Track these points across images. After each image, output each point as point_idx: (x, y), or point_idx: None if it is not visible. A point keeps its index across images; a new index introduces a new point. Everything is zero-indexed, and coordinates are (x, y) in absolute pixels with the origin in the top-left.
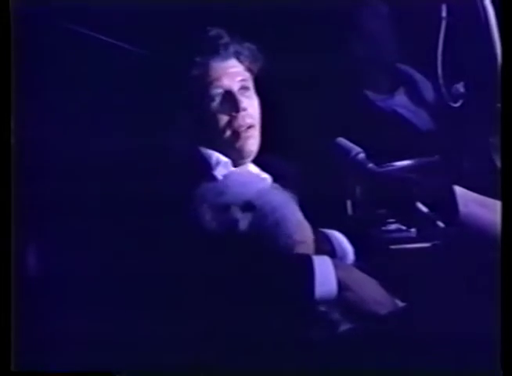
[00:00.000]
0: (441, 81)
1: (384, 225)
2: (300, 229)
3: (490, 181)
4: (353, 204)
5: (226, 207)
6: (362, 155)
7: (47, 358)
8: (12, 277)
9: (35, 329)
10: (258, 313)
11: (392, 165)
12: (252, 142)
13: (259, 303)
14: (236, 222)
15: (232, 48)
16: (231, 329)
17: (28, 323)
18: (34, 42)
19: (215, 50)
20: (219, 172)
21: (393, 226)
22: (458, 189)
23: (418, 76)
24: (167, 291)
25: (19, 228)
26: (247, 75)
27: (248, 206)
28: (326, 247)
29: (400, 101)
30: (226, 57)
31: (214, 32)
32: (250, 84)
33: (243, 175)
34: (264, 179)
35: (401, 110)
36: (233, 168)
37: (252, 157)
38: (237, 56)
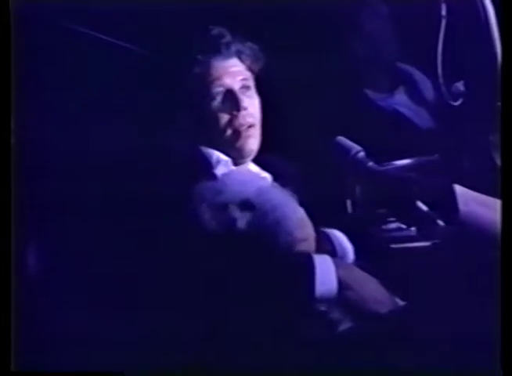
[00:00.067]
0: (441, 79)
1: (384, 224)
2: (301, 226)
3: (490, 179)
4: (353, 203)
5: (225, 206)
6: (362, 154)
7: (47, 358)
8: (12, 277)
9: (35, 329)
10: (259, 312)
11: (392, 164)
12: (252, 142)
13: (260, 302)
14: (235, 220)
15: (233, 48)
16: (231, 328)
17: (28, 323)
18: (34, 42)
19: (217, 49)
20: (219, 171)
21: (393, 225)
22: (458, 188)
23: (418, 75)
24: (167, 290)
25: (19, 228)
26: (248, 74)
27: (247, 204)
28: (326, 246)
29: (400, 100)
30: (228, 56)
31: (215, 31)
32: (251, 83)
33: (242, 173)
34: (264, 178)
35: (401, 109)
36: (233, 167)
37: (252, 156)
38: (239, 55)
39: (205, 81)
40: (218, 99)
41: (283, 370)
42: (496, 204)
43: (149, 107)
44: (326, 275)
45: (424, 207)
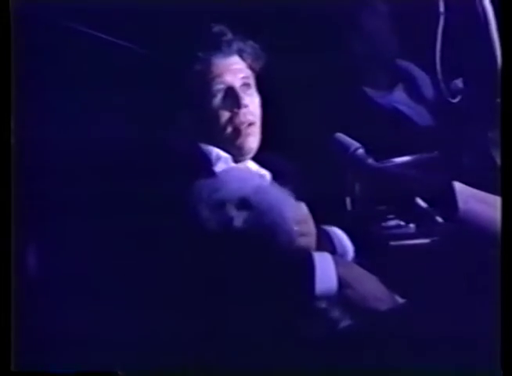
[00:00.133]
0: (439, 76)
1: (384, 222)
2: (303, 221)
3: (489, 176)
4: (352, 201)
5: (222, 204)
6: (361, 151)
7: (47, 358)
8: (12, 277)
9: (35, 329)
10: (259, 310)
11: (391, 161)
12: (252, 140)
13: (260, 300)
14: (232, 218)
15: (235, 46)
16: (230, 326)
17: (28, 323)
18: (34, 42)
19: (218, 46)
20: (219, 168)
21: (392, 222)
22: (457, 185)
23: (417, 72)
24: (165, 289)
25: (19, 228)
26: (249, 73)
27: (245, 202)
28: (326, 243)
29: (399, 97)
30: (229, 54)
31: (217, 29)
32: (252, 81)
33: (241, 171)
34: (262, 176)
35: (400, 107)
36: (233, 164)
37: (252, 154)
38: (240, 53)
39: (206, 79)
40: (219, 96)
41: (283, 368)
42: (495, 201)
43: (150, 105)
44: (325, 273)
45: (423, 204)
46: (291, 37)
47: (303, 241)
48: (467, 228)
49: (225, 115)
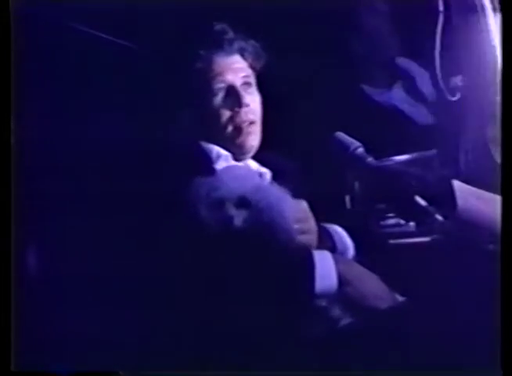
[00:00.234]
0: (438, 74)
1: (383, 220)
2: (303, 219)
3: (489, 174)
4: (352, 199)
5: (221, 202)
6: (360, 150)
7: (47, 358)
8: (12, 277)
9: (35, 329)
10: (259, 309)
11: (391, 159)
12: (253, 138)
13: (260, 299)
14: (231, 216)
15: (236, 45)
16: (231, 325)
17: (28, 323)
18: (34, 42)
19: (220, 45)
20: (220, 166)
21: (392, 221)
22: (456, 183)
23: (416, 70)
24: (166, 288)
25: (19, 228)
26: (250, 72)
27: (244, 201)
28: (326, 241)
29: (398, 95)
30: (230, 53)
31: (219, 27)
32: (253, 80)
33: (240, 169)
34: (262, 175)
35: (399, 104)
36: (233, 162)
37: (253, 152)
38: (241, 52)
39: (207, 77)
40: (220, 95)
41: (283, 367)
42: (495, 199)
43: (151, 103)
44: (325, 271)
45: (423, 203)
46: (292, 37)
47: (304, 239)
48: (467, 226)
49: (226, 114)
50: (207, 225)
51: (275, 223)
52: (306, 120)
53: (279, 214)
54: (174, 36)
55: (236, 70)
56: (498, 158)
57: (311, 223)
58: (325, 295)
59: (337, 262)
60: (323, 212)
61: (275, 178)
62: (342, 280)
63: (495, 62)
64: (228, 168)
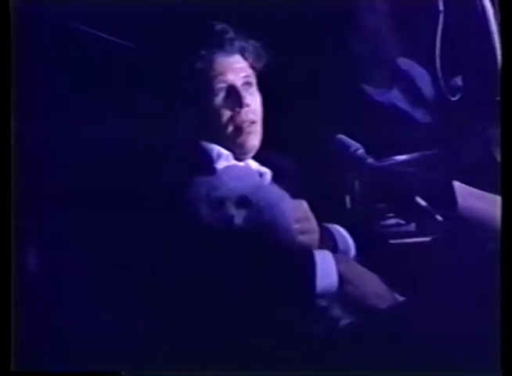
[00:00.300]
0: (439, 74)
1: (384, 220)
2: (304, 219)
3: (489, 174)
4: (353, 199)
5: (222, 201)
6: (361, 151)
7: (47, 358)
8: (12, 277)
9: (35, 329)
10: (260, 308)
11: (391, 159)
12: (254, 138)
13: (261, 298)
14: (232, 216)
15: (237, 44)
16: (231, 325)
17: (28, 323)
18: (34, 41)
19: (220, 45)
20: (220, 165)
21: (393, 221)
22: (457, 184)
23: (416, 70)
24: (166, 288)
25: (19, 228)
26: (251, 72)
27: (244, 200)
28: (328, 241)
29: (399, 95)
30: (231, 52)
31: (219, 27)
32: (254, 80)
33: (241, 169)
34: (263, 174)
35: (399, 104)
36: (234, 162)
37: (253, 152)
38: (242, 52)
39: (208, 77)
40: (221, 95)
41: (283, 366)
42: (495, 199)
43: (151, 103)
44: (326, 270)
45: (423, 203)
46: (292, 37)
47: (305, 239)
48: (467, 226)
49: (227, 114)
50: (208, 225)
51: (275, 223)
52: (307, 120)
53: (279, 213)
54: (175, 36)
55: (236, 70)
56: (499, 158)
57: (313, 223)
58: (325, 295)
59: (337, 261)
60: (324, 212)
61: (276, 178)
62: (343, 280)
63: (496, 62)
64: (228, 168)
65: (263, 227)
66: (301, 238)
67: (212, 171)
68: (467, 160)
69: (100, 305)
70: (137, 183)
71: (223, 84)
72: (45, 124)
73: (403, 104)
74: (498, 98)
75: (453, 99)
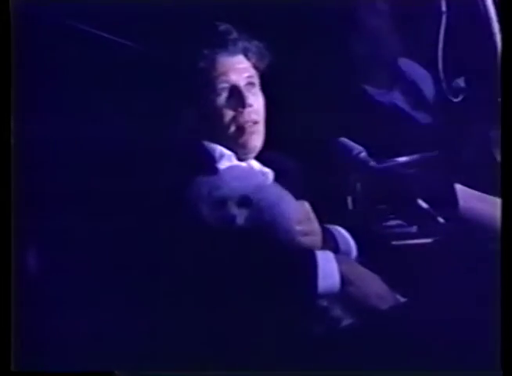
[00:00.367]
0: (441, 75)
1: (386, 222)
2: (306, 220)
3: (490, 176)
4: (354, 201)
5: (223, 201)
6: (363, 154)
7: (47, 358)
8: (12, 277)
9: (35, 329)
10: (261, 309)
11: (393, 161)
12: (256, 138)
13: (262, 298)
14: (233, 215)
15: (240, 45)
16: (232, 325)
17: (28, 323)
18: (35, 41)
19: (224, 45)
20: (222, 165)
21: (394, 222)
22: (458, 186)
23: (418, 71)
24: (166, 288)
25: (19, 228)
26: (254, 72)
27: (245, 200)
28: (329, 242)
29: (400, 96)
30: (234, 53)
31: (223, 27)
32: (256, 81)
33: (243, 169)
34: (265, 175)
35: (401, 105)
36: (236, 162)
37: (256, 152)
38: (245, 52)
39: (211, 77)
40: (224, 95)
41: (284, 367)
42: (496, 201)
43: (154, 102)
44: (328, 271)
45: (425, 205)
46: (295, 37)
47: (308, 240)
48: (468, 228)
49: (230, 114)
50: (210, 225)
51: (277, 223)
52: (309, 120)
53: (281, 213)
54: (179, 36)
55: (239, 70)
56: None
57: (315, 224)
58: (327, 295)
59: (339, 262)
60: (325, 213)
61: (278, 178)
62: (344, 281)
63: (498, 63)
64: (230, 168)
65: (265, 227)
66: (303, 239)
67: (214, 171)
68: (469, 161)
69: (100, 306)
70: (138, 183)
71: (226, 85)
72: (45, 124)
73: (405, 105)
74: (499, 99)
75: (455, 100)
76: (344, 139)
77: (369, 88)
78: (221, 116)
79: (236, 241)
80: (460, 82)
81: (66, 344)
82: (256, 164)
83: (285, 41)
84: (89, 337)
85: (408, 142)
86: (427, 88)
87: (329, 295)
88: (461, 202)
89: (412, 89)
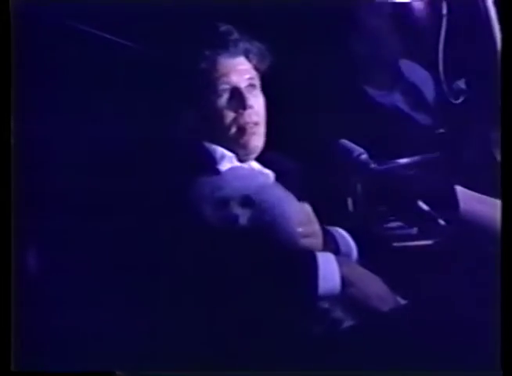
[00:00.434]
0: (442, 77)
1: (386, 223)
2: (307, 222)
3: (491, 177)
4: (355, 202)
5: (225, 202)
6: (364, 156)
7: (47, 358)
8: (12, 277)
9: (35, 329)
10: (262, 310)
11: (394, 162)
12: (257, 138)
13: (263, 300)
14: (235, 216)
15: (241, 46)
16: (232, 326)
17: (28, 323)
18: (34, 41)
19: (225, 46)
20: (223, 167)
21: (395, 224)
22: (458, 188)
23: (419, 72)
24: (167, 288)
25: (19, 228)
26: (255, 74)
27: (247, 201)
28: (330, 244)
29: (401, 97)
30: (235, 54)
31: (224, 28)
32: (257, 82)
33: (244, 170)
34: (266, 175)
35: (402, 107)
36: (237, 163)
37: (256, 153)
38: (246, 53)
39: (211, 78)
40: (224, 96)
41: (285, 368)
42: (496, 203)
43: (155, 103)
44: (329, 273)
45: (426, 207)
46: (296, 39)
47: (308, 242)
48: (469, 230)
49: (230, 115)
50: (211, 225)
51: (278, 224)
52: (309, 122)
53: (282, 215)
54: (180, 36)
55: (240, 71)
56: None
57: (316, 226)
58: (328, 297)
59: (340, 264)
60: (326, 215)
61: (278, 179)
62: (345, 282)
63: (499, 65)
64: (232, 169)
65: (267, 228)
66: (304, 241)
67: (215, 172)
68: (470, 163)
69: (100, 306)
70: (139, 184)
71: (227, 86)
72: (45, 125)
73: (405, 107)
74: (500, 101)
75: (456, 102)
76: (345, 141)
77: (370, 90)
78: (221, 117)
79: (237, 242)
80: (461, 84)
81: (67, 344)
82: (256, 166)
83: (286, 43)
84: (89, 337)
85: (408, 143)
86: (428, 89)
87: (330, 297)
88: (462, 204)
89: (412, 91)
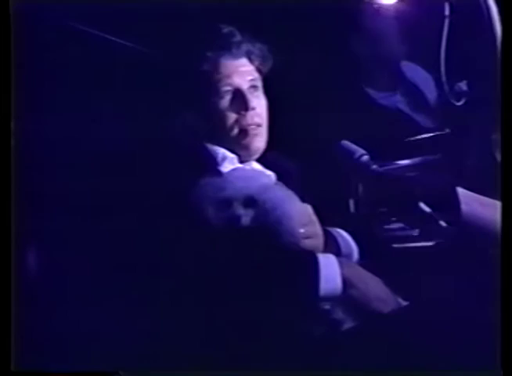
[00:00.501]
0: (444, 79)
1: (387, 225)
2: (308, 223)
3: (492, 179)
4: (356, 204)
5: (228, 202)
6: (366, 157)
7: (47, 358)
8: (12, 277)
9: (35, 329)
10: (263, 311)
11: (395, 164)
12: (259, 140)
13: (264, 301)
14: (237, 217)
15: (244, 47)
16: (233, 326)
17: (28, 323)
18: (34, 41)
19: (227, 47)
20: (225, 168)
21: (396, 225)
22: (460, 190)
23: (421, 74)
24: (168, 288)
25: (19, 228)
26: (257, 75)
27: (249, 201)
28: (331, 245)
29: (403, 99)
30: (238, 56)
31: (226, 30)
32: (259, 84)
33: (246, 171)
34: (268, 176)
35: (403, 108)
36: (239, 165)
37: (258, 154)
38: (249, 55)
39: (214, 79)
40: (227, 98)
41: (285, 369)
42: (497, 205)
43: (157, 104)
44: (330, 274)
45: (427, 209)
46: (298, 40)
47: (310, 243)
48: (470, 231)
49: (232, 117)
50: (214, 225)
51: (281, 224)
52: (311, 123)
53: (284, 215)
54: (182, 38)
55: (243, 73)
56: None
57: (317, 228)
58: (329, 298)
59: (341, 265)
60: (328, 216)
61: (280, 181)
62: (346, 284)
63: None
64: (234, 170)
65: (269, 229)
66: (306, 242)
67: (217, 173)
68: (471, 165)
69: (100, 306)
70: (141, 184)
71: (229, 87)
72: (45, 125)
73: (407, 108)
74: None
75: (458, 103)
76: (347, 142)
77: (372, 91)
78: (224, 118)
79: (239, 243)
80: (463, 86)
81: (66, 344)
82: (258, 167)
83: (288, 45)
84: (90, 337)
85: (410, 145)
86: (430, 91)
87: (331, 298)
88: (463, 205)
89: (414, 92)
